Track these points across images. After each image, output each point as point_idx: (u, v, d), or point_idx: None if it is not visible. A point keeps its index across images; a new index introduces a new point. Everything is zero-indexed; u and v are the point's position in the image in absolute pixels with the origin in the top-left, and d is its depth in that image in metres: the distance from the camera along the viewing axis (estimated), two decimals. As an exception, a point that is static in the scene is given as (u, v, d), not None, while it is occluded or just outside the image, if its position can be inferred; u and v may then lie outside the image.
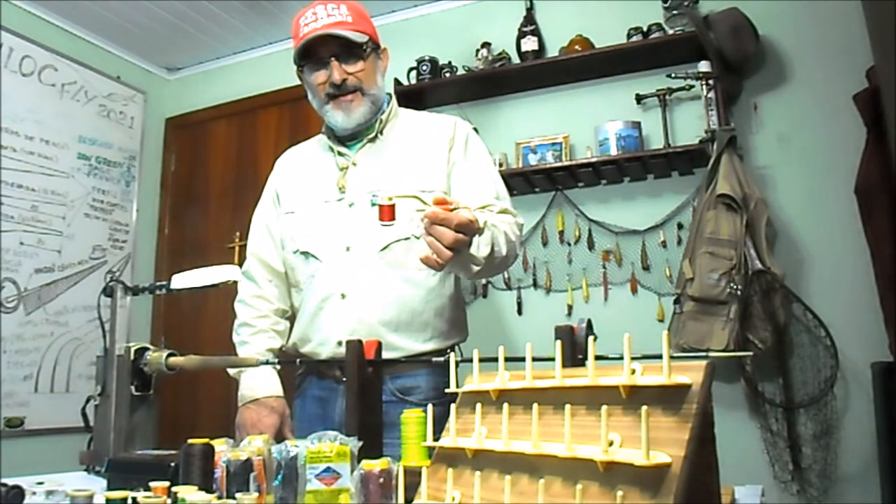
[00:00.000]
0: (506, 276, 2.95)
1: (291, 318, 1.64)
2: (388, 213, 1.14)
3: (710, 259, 2.38)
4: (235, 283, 1.63)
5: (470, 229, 1.18)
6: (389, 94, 1.68)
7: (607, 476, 0.67)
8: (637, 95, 2.82)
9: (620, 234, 2.82)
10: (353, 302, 1.50)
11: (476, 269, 1.33)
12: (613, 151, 2.74)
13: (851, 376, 2.38)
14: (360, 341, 1.22)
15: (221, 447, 1.04)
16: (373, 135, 1.61)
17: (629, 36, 2.82)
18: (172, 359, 1.41)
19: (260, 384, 1.55)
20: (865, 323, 2.35)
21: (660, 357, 0.69)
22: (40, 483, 1.19)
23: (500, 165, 2.87)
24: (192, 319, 3.56)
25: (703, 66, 2.63)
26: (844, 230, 2.45)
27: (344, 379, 1.38)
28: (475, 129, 1.69)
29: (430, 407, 0.92)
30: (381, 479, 0.91)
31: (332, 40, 1.52)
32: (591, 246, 2.86)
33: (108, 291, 1.53)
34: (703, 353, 1.05)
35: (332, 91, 1.55)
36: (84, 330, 3.29)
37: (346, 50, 1.53)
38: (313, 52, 1.55)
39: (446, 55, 3.12)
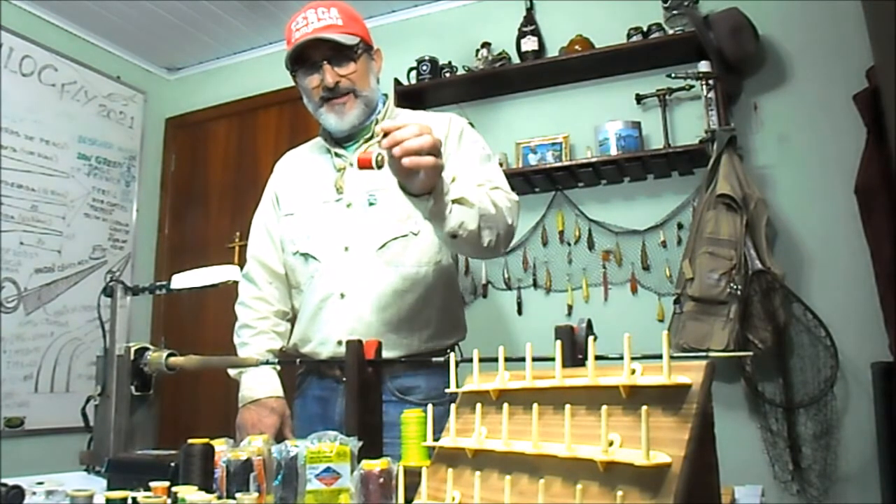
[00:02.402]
0: (506, 275, 2.95)
1: (292, 320, 1.65)
2: (365, 162, 1.17)
3: (710, 259, 2.38)
4: (235, 283, 1.63)
5: (424, 129, 1.17)
6: (385, 95, 1.69)
7: (607, 476, 0.67)
8: (637, 95, 2.82)
9: (620, 234, 2.82)
10: (353, 301, 1.50)
11: (469, 214, 1.31)
12: (613, 151, 2.74)
13: (851, 376, 2.38)
14: (359, 341, 1.22)
15: (221, 447, 1.04)
16: (369, 135, 1.61)
17: (629, 36, 2.82)
18: (172, 359, 1.41)
19: (260, 385, 1.55)
20: (865, 323, 2.35)
21: (660, 357, 0.69)
22: (40, 483, 1.19)
23: (501, 165, 2.85)
24: (192, 319, 3.56)
25: (703, 66, 2.63)
26: (844, 230, 2.45)
27: (344, 379, 1.38)
28: (471, 124, 1.69)
29: (430, 407, 0.92)
30: (381, 479, 0.91)
31: (323, 44, 1.52)
32: (591, 246, 2.85)
33: (108, 291, 1.53)
34: (703, 353, 1.05)
35: (325, 94, 1.55)
36: (84, 330, 3.29)
37: (338, 53, 1.53)
38: (306, 57, 1.55)
39: (446, 55, 3.12)
